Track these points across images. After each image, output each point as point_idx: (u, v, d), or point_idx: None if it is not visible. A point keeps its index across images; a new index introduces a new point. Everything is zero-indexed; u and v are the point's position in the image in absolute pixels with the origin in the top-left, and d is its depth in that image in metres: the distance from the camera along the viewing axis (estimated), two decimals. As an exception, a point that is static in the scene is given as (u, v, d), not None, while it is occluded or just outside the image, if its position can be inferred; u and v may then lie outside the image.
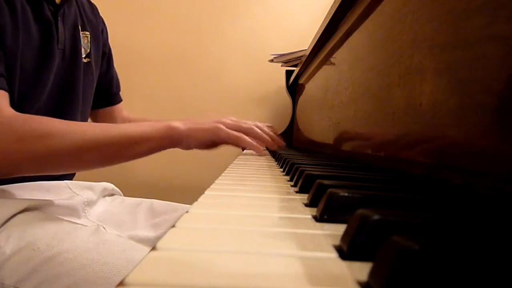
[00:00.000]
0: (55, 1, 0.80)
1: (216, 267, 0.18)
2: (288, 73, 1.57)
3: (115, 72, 1.09)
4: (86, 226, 0.70)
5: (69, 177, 0.92)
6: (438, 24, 0.40)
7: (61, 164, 0.71)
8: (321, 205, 0.29)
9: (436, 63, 0.40)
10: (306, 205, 0.34)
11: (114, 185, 1.00)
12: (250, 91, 1.76)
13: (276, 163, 0.80)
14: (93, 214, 0.86)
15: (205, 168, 1.59)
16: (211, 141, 0.81)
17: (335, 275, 0.18)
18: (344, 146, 0.77)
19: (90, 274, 0.58)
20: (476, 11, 0.33)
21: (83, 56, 0.89)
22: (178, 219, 0.26)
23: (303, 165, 0.53)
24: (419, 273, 0.14)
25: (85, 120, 0.95)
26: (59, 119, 0.69)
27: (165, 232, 0.23)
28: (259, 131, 0.85)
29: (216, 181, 0.47)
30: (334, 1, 0.77)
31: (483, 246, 0.16)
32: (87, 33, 0.92)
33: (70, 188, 0.85)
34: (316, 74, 1.12)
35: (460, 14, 0.35)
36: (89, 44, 0.92)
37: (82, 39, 0.89)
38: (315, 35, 0.98)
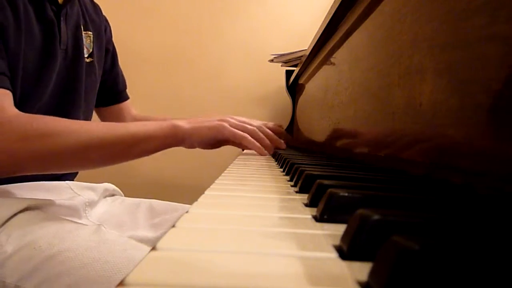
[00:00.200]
0: (57, 1, 0.80)
1: (216, 267, 0.18)
2: (288, 73, 1.57)
3: (120, 69, 1.08)
4: (87, 225, 0.70)
5: (71, 177, 0.92)
6: (438, 24, 0.40)
7: (66, 163, 0.72)
8: (321, 205, 0.29)
9: (436, 63, 0.40)
10: (306, 205, 0.34)
11: (115, 185, 1.00)
12: (250, 91, 1.76)
13: (276, 163, 0.80)
14: (93, 215, 0.86)
15: (205, 168, 1.59)
16: (215, 139, 0.81)
17: (335, 275, 0.18)
18: (344, 146, 0.77)
19: (91, 273, 0.58)
20: (476, 11, 0.33)
21: (86, 56, 0.89)
22: (178, 219, 0.26)
23: (303, 165, 0.53)
24: (419, 273, 0.14)
25: (88, 119, 0.95)
26: (63, 118, 0.69)
27: (165, 232, 0.23)
28: (261, 134, 0.85)
29: (216, 181, 0.47)
30: (334, 1, 0.77)
31: (483, 246, 0.16)
32: (89, 33, 0.91)
33: (71, 188, 0.85)
34: (316, 74, 1.12)
35: (460, 14, 0.35)
36: (91, 44, 0.92)
37: (84, 39, 0.89)
38: (315, 35, 0.98)
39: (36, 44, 0.75)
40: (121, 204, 0.95)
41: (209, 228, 0.26)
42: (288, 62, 1.54)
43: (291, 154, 0.85)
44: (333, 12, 0.78)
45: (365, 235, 0.20)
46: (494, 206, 0.28)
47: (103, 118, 1.08)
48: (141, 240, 0.76)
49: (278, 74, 1.62)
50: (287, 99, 1.60)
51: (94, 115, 1.03)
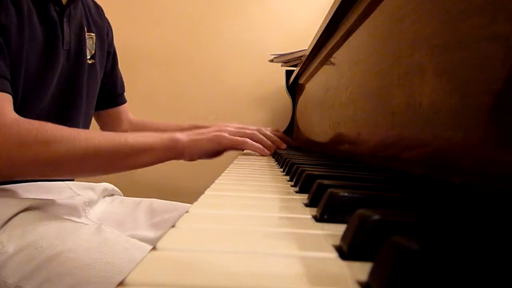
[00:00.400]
0: (61, 2, 0.80)
1: (216, 267, 0.18)
2: (288, 73, 1.57)
3: (120, 73, 1.08)
4: (88, 224, 0.70)
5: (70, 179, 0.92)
6: (438, 24, 0.40)
7: (64, 170, 0.72)
8: (321, 205, 0.29)
9: (436, 63, 0.40)
10: (306, 205, 0.34)
11: (114, 185, 1.00)
12: (250, 91, 1.76)
13: (276, 163, 0.80)
14: (93, 214, 0.86)
15: (205, 168, 1.59)
16: (214, 150, 0.82)
17: (335, 275, 0.18)
18: (344, 146, 0.77)
19: (93, 273, 0.58)
20: (476, 11, 0.33)
21: (88, 57, 0.89)
22: (178, 219, 0.26)
23: (303, 165, 0.53)
24: (419, 273, 0.14)
25: (89, 122, 0.95)
26: (63, 126, 0.69)
27: (165, 232, 0.23)
28: (261, 136, 0.87)
29: (216, 181, 0.47)
30: (334, 1, 0.77)
31: (483, 246, 0.16)
32: (92, 34, 0.91)
33: (71, 188, 0.86)
34: (316, 74, 1.12)
35: (460, 14, 0.35)
36: (94, 45, 0.91)
37: (87, 41, 0.88)
38: (315, 35, 0.98)
39: (38, 45, 0.75)
40: (121, 203, 0.95)
41: (209, 228, 0.26)
42: (288, 62, 1.54)
43: (291, 154, 0.85)
44: (333, 12, 0.78)
45: (365, 235, 0.20)
46: (494, 206, 0.28)
47: (99, 121, 1.08)
48: (141, 240, 0.76)
49: (278, 74, 1.62)
50: (287, 99, 1.60)
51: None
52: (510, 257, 0.14)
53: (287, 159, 0.65)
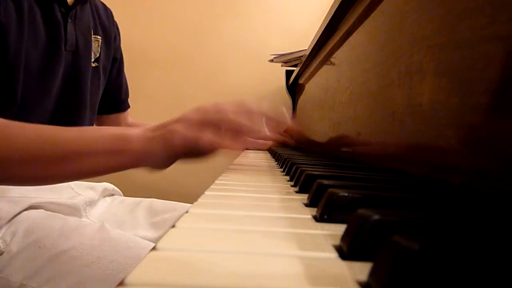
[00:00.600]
0: (66, 3, 0.79)
1: (216, 267, 0.18)
2: (288, 73, 1.57)
3: (125, 78, 1.07)
4: (91, 223, 0.71)
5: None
6: (438, 24, 0.40)
7: None
8: (321, 205, 0.29)
9: (436, 63, 0.40)
10: (306, 205, 0.34)
11: (114, 185, 1.00)
12: (250, 91, 1.76)
13: (276, 163, 0.80)
14: (93, 214, 0.86)
15: (205, 168, 1.59)
16: (169, 155, 0.54)
17: (335, 275, 0.18)
18: (344, 146, 0.77)
19: (96, 271, 0.58)
20: (476, 11, 0.33)
21: (92, 60, 0.88)
22: (178, 219, 0.26)
23: (303, 165, 0.53)
24: (419, 273, 0.14)
25: (91, 125, 0.93)
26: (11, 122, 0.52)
27: (165, 232, 0.23)
28: (249, 124, 0.58)
29: (216, 181, 0.47)
30: (334, 1, 0.77)
31: (482, 246, 0.16)
32: (98, 37, 0.90)
33: (72, 188, 0.86)
34: (316, 74, 1.12)
35: (460, 14, 0.35)
36: (99, 48, 0.90)
37: (92, 43, 0.88)
38: (315, 35, 0.98)
39: (40, 45, 0.75)
40: (121, 203, 0.95)
41: (209, 228, 0.26)
42: (288, 62, 1.54)
43: (291, 154, 0.85)
44: (333, 12, 0.78)
45: (365, 235, 0.20)
46: (494, 206, 0.28)
47: (97, 124, 1.07)
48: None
49: (278, 74, 1.62)
50: (287, 99, 1.60)
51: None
52: (510, 257, 0.14)
53: (287, 159, 0.65)
